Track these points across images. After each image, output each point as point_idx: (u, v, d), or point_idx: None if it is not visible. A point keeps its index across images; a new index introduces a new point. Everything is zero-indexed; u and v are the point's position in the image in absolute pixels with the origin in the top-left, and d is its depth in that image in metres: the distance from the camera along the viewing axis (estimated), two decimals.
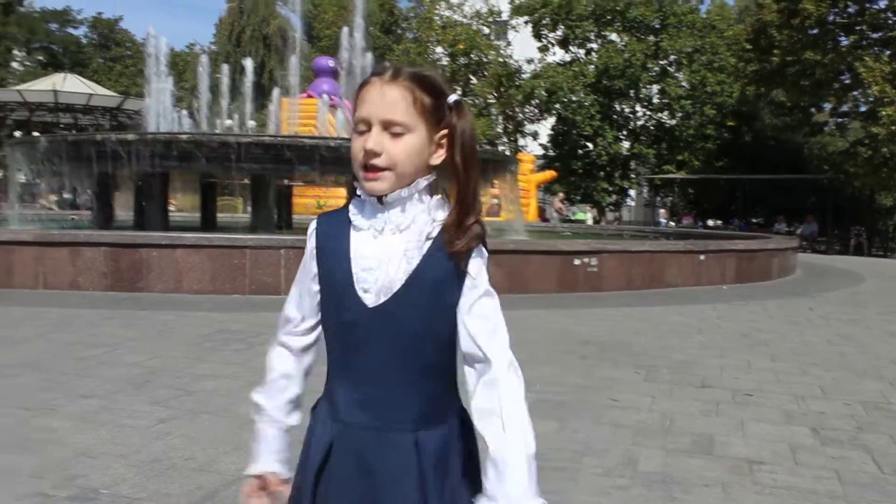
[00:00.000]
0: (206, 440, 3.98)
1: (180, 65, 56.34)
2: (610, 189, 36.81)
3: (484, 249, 1.59)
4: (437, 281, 1.55)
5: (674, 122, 37.19)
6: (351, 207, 1.64)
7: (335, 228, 1.63)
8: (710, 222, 37.90)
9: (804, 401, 5.28)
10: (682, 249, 12.71)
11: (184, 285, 9.74)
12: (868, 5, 29.13)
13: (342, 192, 20.28)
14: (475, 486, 1.57)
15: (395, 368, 1.56)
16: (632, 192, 41.66)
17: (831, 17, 29.46)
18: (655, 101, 37.59)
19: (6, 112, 42.65)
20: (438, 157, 1.59)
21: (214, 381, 5.25)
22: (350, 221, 1.62)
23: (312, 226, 1.67)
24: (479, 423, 1.55)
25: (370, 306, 1.55)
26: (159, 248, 9.81)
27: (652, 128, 38.03)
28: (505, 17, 39.72)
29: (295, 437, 1.69)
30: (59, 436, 3.98)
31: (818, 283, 14.43)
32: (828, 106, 34.16)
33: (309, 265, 1.66)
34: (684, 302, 10.52)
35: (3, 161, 32.79)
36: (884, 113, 26.18)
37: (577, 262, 11.15)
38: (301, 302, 1.69)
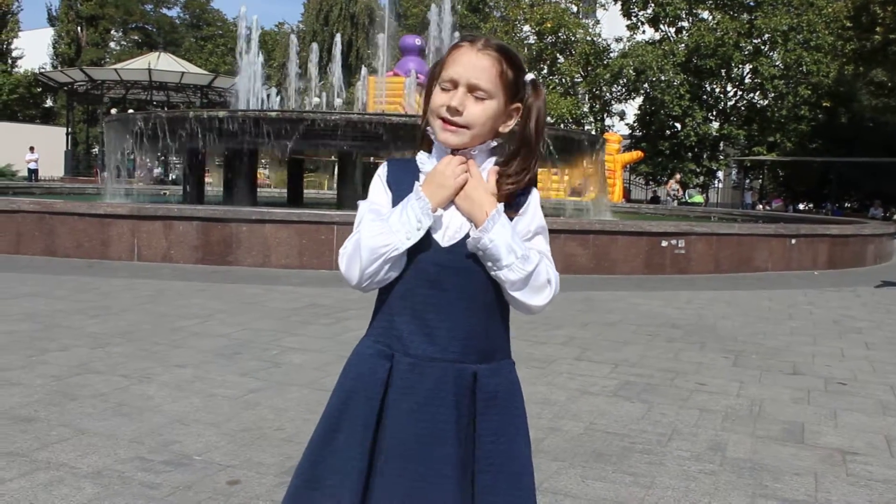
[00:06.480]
0: (294, 412, 4.06)
1: (269, 44, 57.29)
2: (698, 171, 36.12)
3: (536, 193, 1.77)
4: None
5: (766, 102, 36.21)
6: (420, 157, 1.81)
7: (404, 174, 1.77)
8: (802, 206, 36.85)
9: None
10: (772, 233, 12.38)
11: (272, 260, 9.93)
12: None
13: None
14: (525, 424, 1.76)
15: (462, 305, 1.69)
16: (720, 174, 40.81)
17: None
18: (747, 80, 36.64)
19: (103, 90, 44.12)
20: (507, 125, 1.76)
21: (303, 355, 5.34)
22: (418, 170, 1.77)
23: (383, 170, 1.79)
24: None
25: (444, 246, 1.69)
26: (249, 223, 10.02)
27: (743, 108, 37.13)
28: None
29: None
30: (155, 403, 4.11)
31: None
32: None
33: (384, 199, 1.75)
34: (774, 287, 10.28)
35: (100, 137, 33.87)
36: None
37: (664, 243, 10.98)
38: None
